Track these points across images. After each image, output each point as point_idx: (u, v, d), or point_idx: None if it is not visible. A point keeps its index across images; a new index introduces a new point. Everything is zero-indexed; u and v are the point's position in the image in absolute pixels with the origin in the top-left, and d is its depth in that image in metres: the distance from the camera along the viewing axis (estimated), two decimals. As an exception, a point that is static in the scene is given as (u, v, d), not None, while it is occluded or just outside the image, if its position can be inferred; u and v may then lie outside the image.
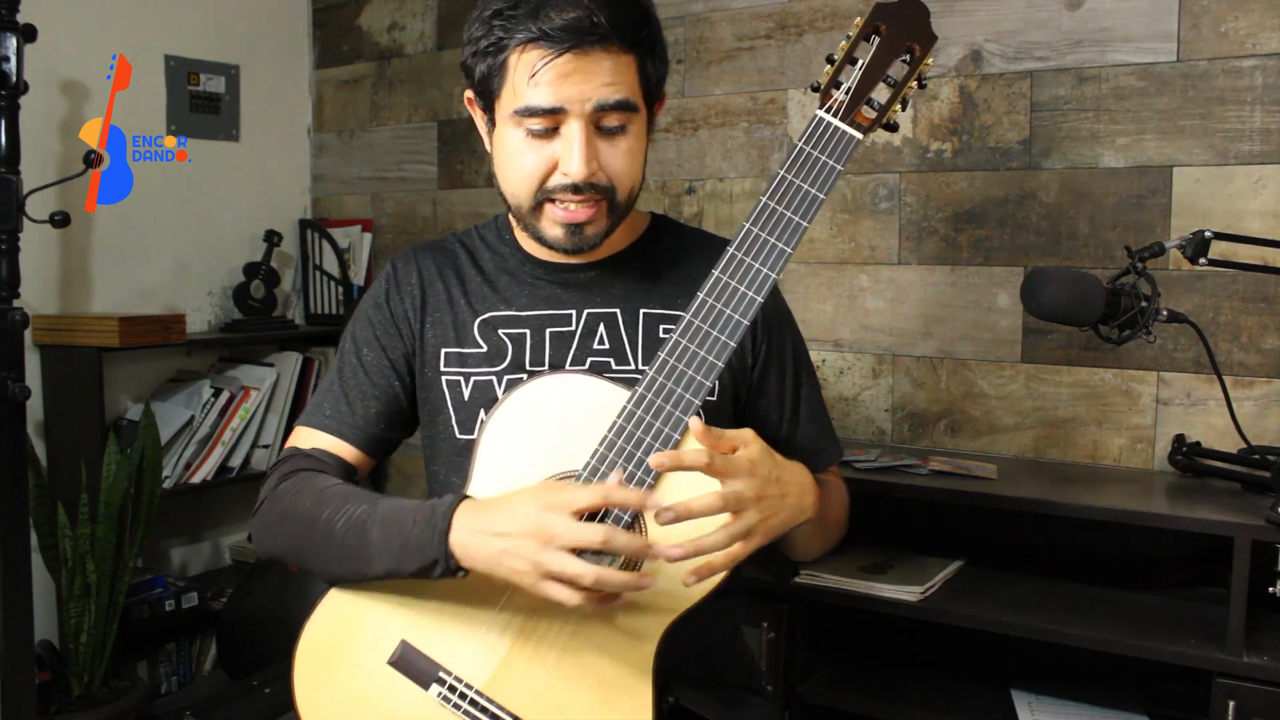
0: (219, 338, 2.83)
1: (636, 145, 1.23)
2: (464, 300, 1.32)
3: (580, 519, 1.03)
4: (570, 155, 1.17)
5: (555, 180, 1.20)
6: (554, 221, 1.22)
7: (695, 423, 1.07)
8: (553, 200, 1.21)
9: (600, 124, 1.19)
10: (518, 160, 1.21)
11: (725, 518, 1.06)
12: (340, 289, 2.99)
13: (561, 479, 1.15)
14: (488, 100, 1.23)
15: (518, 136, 1.20)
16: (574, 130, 1.17)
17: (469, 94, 1.28)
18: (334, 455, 1.29)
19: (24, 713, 2.00)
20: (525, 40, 1.15)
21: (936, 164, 2.19)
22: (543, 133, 1.18)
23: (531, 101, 1.16)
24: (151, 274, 2.77)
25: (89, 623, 2.30)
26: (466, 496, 1.12)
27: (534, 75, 1.15)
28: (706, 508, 1.04)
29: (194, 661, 2.78)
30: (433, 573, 1.09)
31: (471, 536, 1.07)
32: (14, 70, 2.01)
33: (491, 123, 1.25)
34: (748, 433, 1.11)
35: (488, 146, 1.29)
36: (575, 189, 1.19)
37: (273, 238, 2.92)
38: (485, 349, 1.29)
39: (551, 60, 1.14)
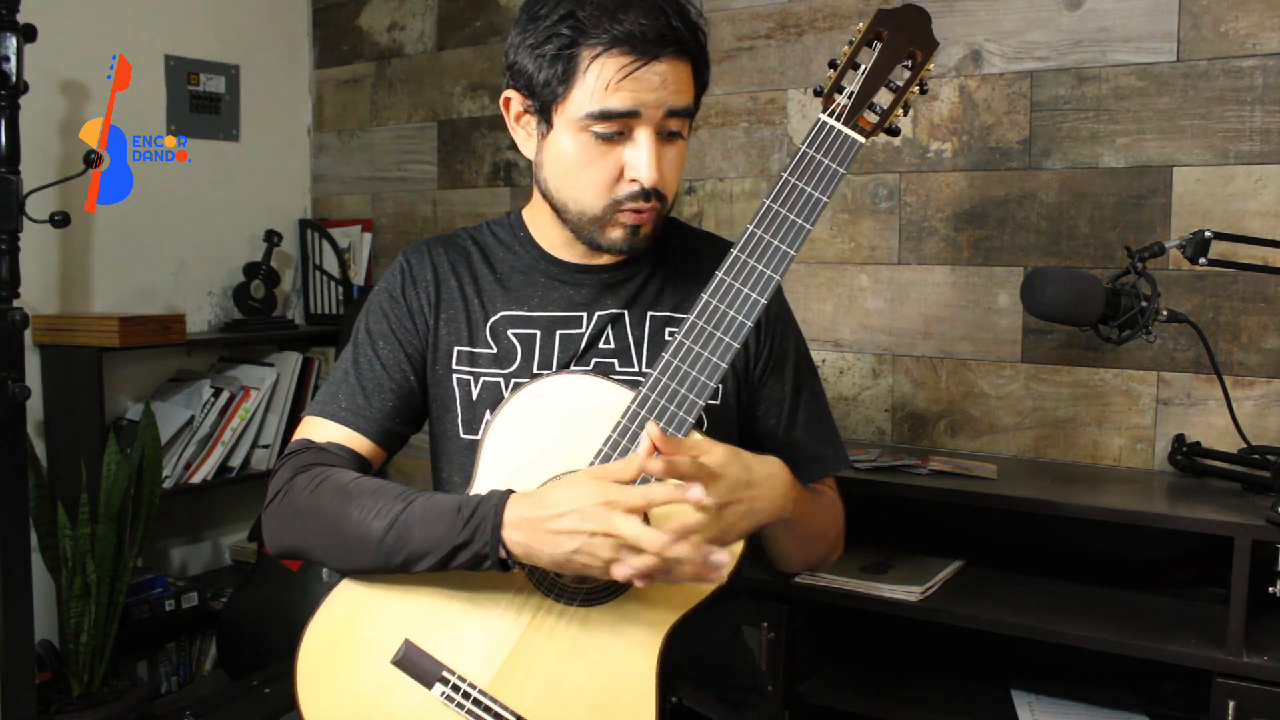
0: (219, 338, 2.83)
1: (684, 154, 1.25)
2: (477, 299, 1.32)
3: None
4: (642, 162, 1.18)
5: (624, 189, 1.20)
6: (620, 226, 1.22)
7: (652, 427, 1.06)
8: (621, 209, 1.21)
9: (662, 130, 1.19)
10: (585, 168, 1.20)
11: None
12: (340, 289, 2.99)
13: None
14: (545, 103, 1.20)
15: (583, 142, 1.19)
16: (645, 136, 1.18)
17: (510, 94, 1.25)
18: (347, 448, 1.27)
19: (24, 713, 2.01)
20: (605, 45, 1.14)
21: (936, 164, 2.19)
22: (610, 138, 1.18)
23: (608, 105, 1.16)
24: (151, 274, 2.77)
25: (89, 623, 2.30)
26: (512, 491, 1.11)
27: (616, 81, 1.15)
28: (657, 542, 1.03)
29: (194, 661, 2.78)
30: (481, 566, 1.10)
31: (530, 537, 1.07)
32: (14, 70, 2.01)
33: (548, 125, 1.22)
34: (705, 442, 1.10)
35: (526, 150, 1.27)
36: (645, 196, 1.19)
37: (273, 238, 2.92)
38: (495, 351, 1.29)
39: (637, 68, 1.14)
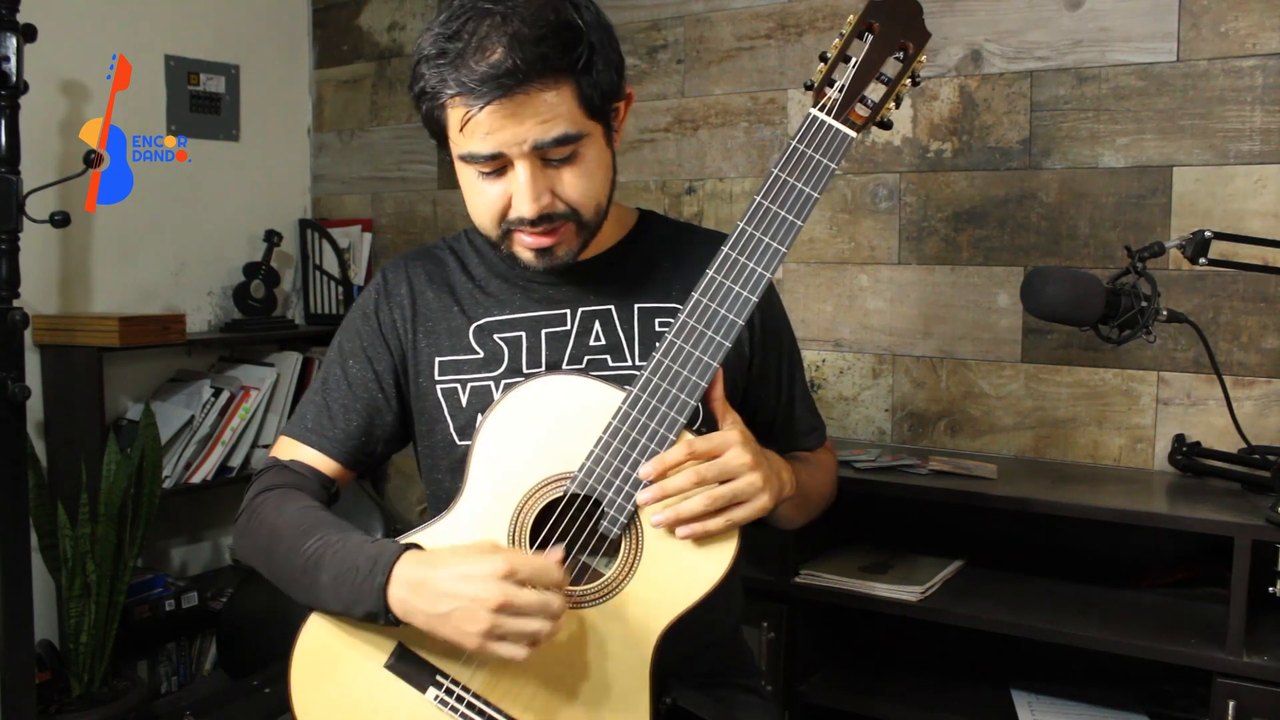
0: (219, 338, 2.83)
1: (594, 166, 1.21)
2: (457, 307, 1.32)
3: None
4: (519, 198, 1.17)
5: (512, 215, 1.20)
6: (524, 247, 1.23)
7: (674, 448, 1.11)
8: (514, 234, 1.22)
9: (546, 158, 1.17)
10: (476, 197, 1.22)
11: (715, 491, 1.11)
12: (340, 289, 2.99)
13: (555, 482, 1.15)
14: (439, 139, 1.23)
15: (470, 176, 1.21)
16: (519, 171, 1.16)
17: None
18: (311, 468, 1.29)
19: (24, 713, 2.00)
20: (453, 94, 1.14)
21: (936, 164, 2.19)
22: (491, 172, 1.18)
23: (470, 149, 1.16)
24: (151, 274, 2.77)
25: (89, 623, 2.30)
26: (412, 545, 1.12)
27: (464, 127, 1.15)
28: (681, 484, 1.10)
29: (194, 661, 2.78)
30: (376, 621, 1.10)
31: (412, 594, 1.07)
32: (14, 70, 2.01)
33: (450, 159, 1.25)
34: (724, 432, 1.14)
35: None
36: (532, 223, 1.19)
37: (273, 238, 2.92)
38: (481, 355, 1.29)
39: (475, 114, 1.13)
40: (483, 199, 1.21)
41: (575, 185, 1.19)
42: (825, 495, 1.43)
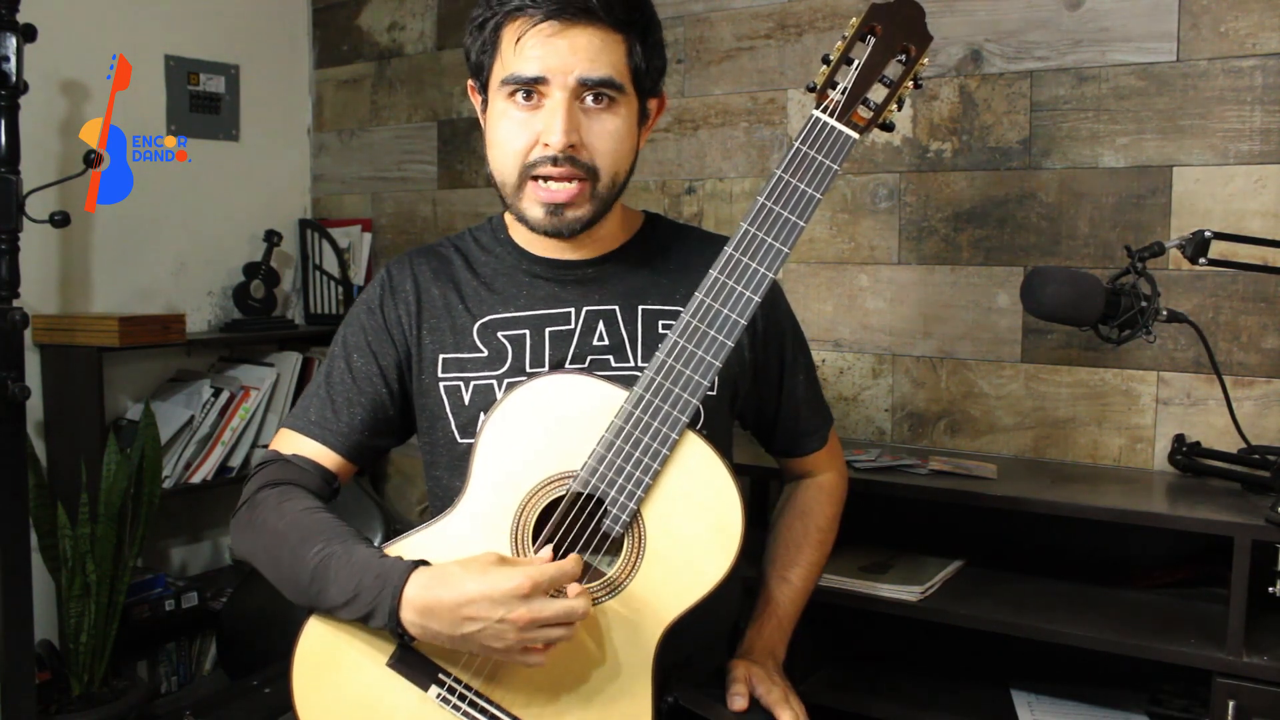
0: (219, 337, 2.83)
1: (623, 129, 1.23)
2: (461, 305, 1.32)
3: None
4: (551, 124, 1.19)
5: (536, 153, 1.21)
6: (535, 201, 1.23)
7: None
8: (535, 178, 1.22)
9: (584, 101, 1.20)
10: (504, 135, 1.23)
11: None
12: (340, 289, 2.99)
13: (558, 481, 1.15)
14: (483, 79, 1.26)
15: (504, 108, 1.22)
16: (556, 100, 1.19)
17: (470, 82, 1.31)
18: (314, 462, 1.29)
19: (24, 713, 2.00)
20: (513, 10, 1.19)
21: (936, 164, 2.19)
22: (528, 104, 1.20)
23: (516, 70, 1.19)
24: (151, 274, 2.77)
25: (89, 623, 2.30)
26: (420, 563, 1.11)
27: (518, 42, 1.18)
28: None
29: (194, 661, 2.78)
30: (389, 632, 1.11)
31: (430, 619, 1.07)
32: (14, 70, 2.01)
33: (485, 100, 1.28)
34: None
35: (485, 132, 1.30)
36: (554, 161, 1.20)
37: (273, 238, 2.92)
38: (485, 353, 1.29)
39: (534, 25, 1.17)
40: (511, 135, 1.22)
41: (604, 139, 1.21)
42: (832, 534, 1.49)
